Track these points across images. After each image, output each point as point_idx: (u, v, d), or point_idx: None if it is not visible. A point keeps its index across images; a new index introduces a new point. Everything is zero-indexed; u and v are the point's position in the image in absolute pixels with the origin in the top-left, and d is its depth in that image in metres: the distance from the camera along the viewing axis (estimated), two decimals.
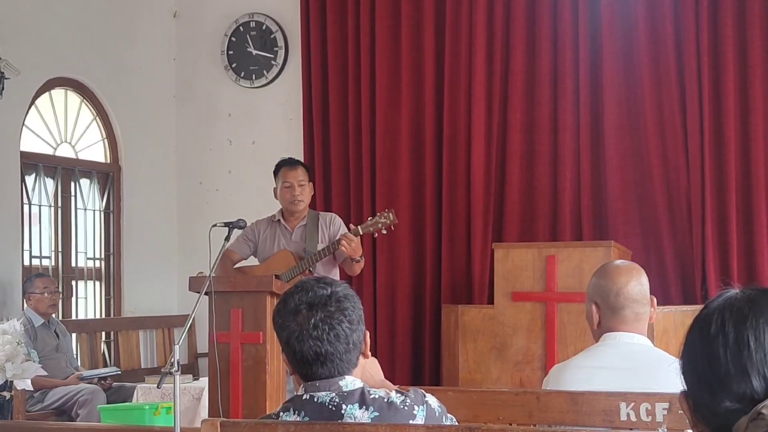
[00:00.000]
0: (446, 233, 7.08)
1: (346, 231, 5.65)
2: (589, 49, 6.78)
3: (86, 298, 7.67)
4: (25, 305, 6.53)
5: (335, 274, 5.66)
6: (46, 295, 6.46)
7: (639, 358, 2.83)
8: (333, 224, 5.72)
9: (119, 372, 6.85)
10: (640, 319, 2.88)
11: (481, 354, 6.00)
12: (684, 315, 5.46)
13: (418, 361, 7.15)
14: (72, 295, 7.51)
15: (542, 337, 5.72)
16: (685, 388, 1.28)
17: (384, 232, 5.62)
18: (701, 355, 1.26)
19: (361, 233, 5.51)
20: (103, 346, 7.65)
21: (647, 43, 6.65)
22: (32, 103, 7.17)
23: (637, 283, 2.89)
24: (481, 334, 6.02)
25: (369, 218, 5.66)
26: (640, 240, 6.60)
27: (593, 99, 6.79)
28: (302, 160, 7.41)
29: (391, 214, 5.54)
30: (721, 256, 6.42)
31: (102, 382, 6.45)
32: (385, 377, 2.44)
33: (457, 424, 2.31)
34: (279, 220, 5.75)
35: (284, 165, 5.75)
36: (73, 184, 7.56)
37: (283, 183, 5.69)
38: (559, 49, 6.87)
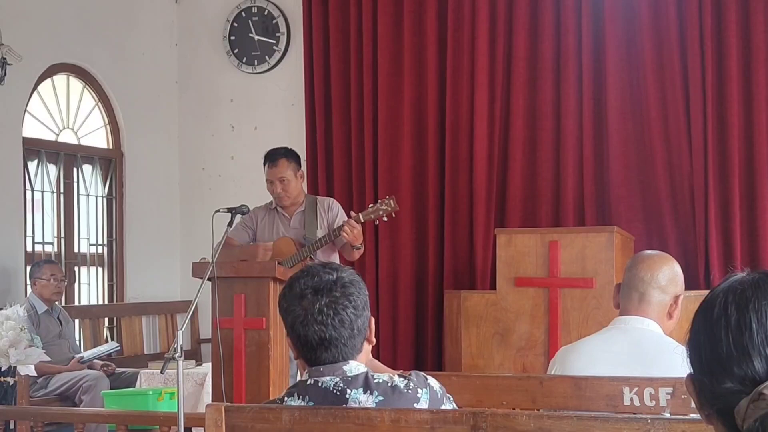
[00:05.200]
0: (449, 219, 7.08)
1: (345, 216, 5.63)
2: (591, 34, 6.77)
3: (89, 284, 7.68)
4: (30, 290, 6.54)
5: (335, 260, 5.63)
6: (52, 281, 6.47)
7: (646, 344, 2.83)
8: (331, 209, 5.69)
9: (119, 347, 6.85)
10: (646, 301, 2.88)
11: (483, 340, 6.00)
12: (687, 301, 5.40)
13: (420, 347, 7.16)
14: (75, 281, 7.51)
15: (545, 322, 5.72)
16: (691, 371, 1.29)
17: (385, 219, 5.57)
18: (704, 337, 1.27)
19: (363, 221, 5.46)
20: (106, 332, 7.66)
21: (650, 27, 6.63)
22: (34, 89, 7.17)
23: (653, 268, 2.90)
24: (484, 320, 6.01)
25: (370, 205, 5.61)
26: (642, 225, 6.60)
27: (596, 84, 6.77)
28: (304, 145, 7.43)
29: (392, 201, 5.50)
30: (724, 241, 6.41)
31: (105, 368, 6.45)
32: (388, 363, 2.44)
33: (456, 407, 2.32)
34: (276, 207, 5.74)
35: (266, 161, 5.65)
36: (75, 170, 7.56)
37: (266, 179, 5.66)
38: (562, 34, 6.85)
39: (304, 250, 5.49)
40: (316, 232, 5.59)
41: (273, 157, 5.65)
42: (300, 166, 5.77)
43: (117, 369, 6.59)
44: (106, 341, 7.56)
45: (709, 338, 1.25)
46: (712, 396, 1.24)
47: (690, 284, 6.42)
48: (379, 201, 5.56)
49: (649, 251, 3.11)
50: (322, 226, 5.63)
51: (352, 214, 5.49)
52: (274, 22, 7.94)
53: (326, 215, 5.66)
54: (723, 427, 1.23)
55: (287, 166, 5.62)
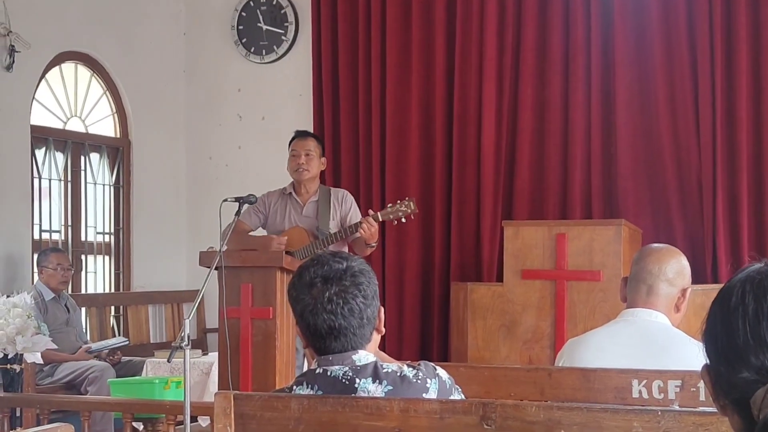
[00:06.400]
0: (456, 211, 7.07)
1: (358, 210, 5.68)
2: (600, 26, 6.74)
3: (96, 272, 7.68)
4: (36, 278, 6.54)
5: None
6: (58, 270, 6.47)
7: (655, 336, 2.82)
8: (345, 202, 5.71)
9: (127, 342, 6.86)
10: (654, 294, 2.87)
11: (490, 332, 5.99)
12: (694, 294, 5.41)
13: (426, 339, 7.16)
14: (82, 270, 7.52)
15: (552, 315, 5.71)
16: (707, 361, 1.28)
17: (403, 220, 5.61)
18: (721, 326, 1.26)
19: (381, 220, 5.49)
20: (113, 321, 7.67)
21: (659, 20, 6.61)
22: (42, 76, 7.17)
23: (661, 261, 2.89)
24: (491, 312, 6.01)
25: (389, 205, 5.64)
26: (650, 219, 6.58)
27: (604, 77, 6.75)
28: None
29: (411, 204, 5.53)
30: (731, 235, 6.39)
31: (110, 357, 6.46)
32: (393, 355, 2.44)
33: (464, 398, 2.31)
34: (290, 193, 5.75)
35: (296, 136, 5.79)
36: (83, 158, 7.56)
37: (291, 151, 5.72)
38: (571, 27, 6.83)
39: (318, 243, 5.49)
40: (328, 224, 5.60)
41: (302, 133, 5.85)
42: (324, 154, 5.81)
43: (123, 357, 6.60)
44: (113, 331, 7.58)
45: (726, 328, 1.25)
46: (728, 386, 1.24)
47: (697, 278, 6.38)
48: (399, 202, 5.57)
49: (656, 244, 3.11)
50: (335, 217, 5.64)
51: (371, 212, 5.49)
52: (282, 12, 7.93)
53: (340, 207, 5.67)
54: (738, 417, 1.23)
55: (315, 144, 5.76)
